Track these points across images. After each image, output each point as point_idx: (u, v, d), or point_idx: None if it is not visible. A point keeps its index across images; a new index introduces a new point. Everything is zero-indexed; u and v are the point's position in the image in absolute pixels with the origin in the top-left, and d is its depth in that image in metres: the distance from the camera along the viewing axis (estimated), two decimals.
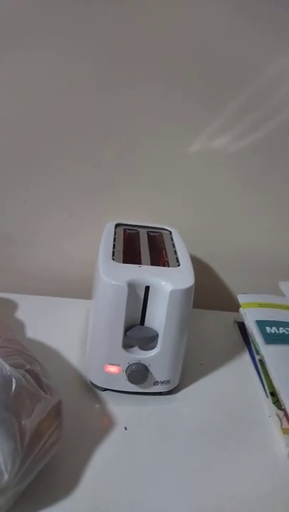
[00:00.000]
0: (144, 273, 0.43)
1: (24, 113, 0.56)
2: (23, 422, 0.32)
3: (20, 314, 0.57)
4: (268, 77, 0.55)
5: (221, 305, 0.65)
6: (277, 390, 0.45)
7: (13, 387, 0.32)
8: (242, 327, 0.59)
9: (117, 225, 0.54)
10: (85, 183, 0.60)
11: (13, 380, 0.32)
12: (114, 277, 0.42)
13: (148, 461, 0.40)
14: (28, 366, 0.36)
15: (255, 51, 0.54)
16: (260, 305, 0.57)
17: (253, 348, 0.54)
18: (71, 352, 0.51)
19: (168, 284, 0.42)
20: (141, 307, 0.43)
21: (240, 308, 0.57)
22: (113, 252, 0.46)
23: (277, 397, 0.46)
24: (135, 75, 0.54)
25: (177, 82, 0.55)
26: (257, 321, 0.53)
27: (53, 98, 0.55)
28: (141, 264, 0.45)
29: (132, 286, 0.41)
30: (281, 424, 0.44)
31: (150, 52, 0.53)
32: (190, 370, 0.51)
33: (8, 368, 0.33)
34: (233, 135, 0.58)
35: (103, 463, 0.39)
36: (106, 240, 0.49)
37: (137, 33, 0.52)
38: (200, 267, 0.65)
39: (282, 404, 0.44)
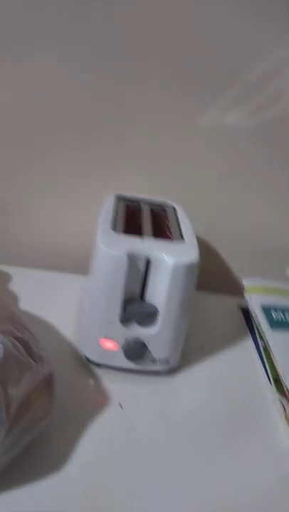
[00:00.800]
0: (146, 245, 0.41)
1: (25, 90, 0.54)
2: (9, 390, 0.30)
3: (15, 287, 0.55)
4: (274, 60, 0.53)
5: (225, 289, 0.62)
6: (281, 376, 0.43)
7: (0, 354, 0.30)
8: (246, 312, 0.56)
9: (119, 198, 0.51)
10: (86, 153, 0.58)
11: (0, 345, 0.30)
12: (113, 247, 0.39)
13: (142, 440, 0.38)
14: (19, 334, 0.34)
15: (263, 35, 0.51)
16: (266, 290, 0.54)
17: (256, 334, 0.52)
18: (66, 327, 0.49)
19: (171, 258, 0.40)
20: (141, 281, 0.41)
21: (245, 293, 0.55)
22: (113, 222, 0.44)
23: (281, 385, 0.43)
24: (141, 53, 0.52)
25: (182, 59, 0.53)
26: (262, 306, 0.51)
27: (57, 74, 0.53)
28: (142, 236, 0.43)
29: (132, 258, 0.39)
30: (285, 412, 0.42)
31: (159, 30, 0.51)
32: (191, 353, 0.48)
33: None
34: (243, 112, 0.56)
35: (95, 440, 0.37)
36: (106, 211, 0.47)
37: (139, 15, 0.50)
38: (204, 248, 0.63)
39: (285, 390, 0.42)
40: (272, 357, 0.45)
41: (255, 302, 0.53)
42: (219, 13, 0.51)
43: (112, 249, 0.39)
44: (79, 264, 0.53)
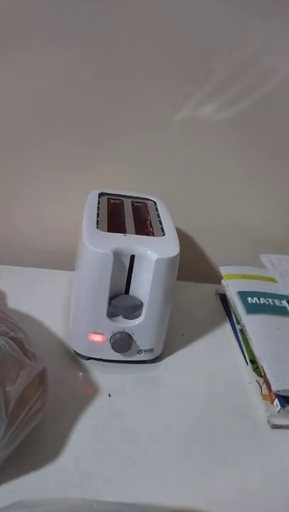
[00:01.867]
0: (129, 242, 0.42)
1: (11, 81, 0.53)
2: (7, 388, 0.32)
3: (1, 285, 0.56)
4: (251, 49, 0.54)
5: (203, 277, 0.65)
6: (257, 357, 0.46)
7: None
8: (223, 298, 0.59)
9: (101, 194, 0.52)
10: (67, 150, 0.58)
11: None
12: (99, 246, 0.41)
13: (132, 426, 0.41)
14: (12, 334, 0.35)
15: (238, 23, 0.52)
16: (242, 276, 0.57)
17: (233, 318, 0.55)
18: (54, 322, 0.51)
19: (153, 253, 0.42)
20: (126, 276, 0.43)
21: (222, 280, 0.58)
22: (97, 220, 0.45)
23: (257, 365, 0.47)
24: (120, 43, 0.52)
25: (164, 52, 0.53)
26: (239, 292, 0.54)
27: (40, 70, 0.53)
28: (126, 233, 0.44)
29: (117, 255, 0.41)
30: (261, 391, 0.45)
31: (136, 23, 0.51)
32: (173, 339, 0.51)
33: None
34: (219, 104, 0.57)
35: (88, 429, 0.40)
36: (89, 208, 0.48)
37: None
38: (183, 239, 0.65)
39: (261, 370, 0.45)
40: (249, 339, 0.49)
41: (231, 288, 0.56)
42: (194, 4, 0.51)
43: (98, 248, 0.40)
44: (63, 260, 0.54)
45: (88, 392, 0.43)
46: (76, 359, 0.46)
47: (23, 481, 0.34)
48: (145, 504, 0.27)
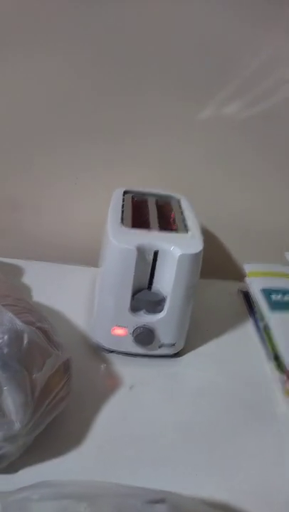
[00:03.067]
0: (153, 238, 0.43)
1: (35, 83, 0.55)
2: (34, 375, 0.33)
3: (27, 279, 0.58)
4: (272, 49, 0.54)
5: (227, 275, 0.65)
6: (281, 353, 0.46)
7: (25, 342, 0.33)
8: (246, 296, 0.59)
9: (125, 192, 0.53)
10: (92, 149, 0.60)
11: (25, 335, 0.33)
12: (123, 241, 0.42)
13: (152, 418, 0.41)
14: (39, 324, 0.37)
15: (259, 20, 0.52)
16: (266, 274, 0.57)
17: (257, 315, 0.55)
18: (78, 316, 0.52)
19: (177, 249, 0.42)
20: (149, 271, 0.44)
21: (246, 277, 0.58)
22: (122, 217, 0.46)
23: (280, 362, 0.47)
24: (141, 50, 0.53)
25: (189, 51, 0.54)
26: (262, 289, 0.54)
27: (66, 71, 0.54)
28: (150, 229, 0.45)
29: (140, 251, 0.42)
30: (285, 387, 0.45)
31: (158, 27, 0.52)
32: (195, 336, 0.51)
33: (19, 323, 0.33)
34: (242, 103, 0.57)
35: (109, 419, 0.41)
36: (114, 205, 0.49)
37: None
38: (207, 236, 0.65)
39: (286, 367, 0.45)
40: (272, 336, 0.49)
41: (255, 286, 0.55)
42: (212, 11, 0.52)
43: (123, 243, 0.42)
44: (88, 256, 0.55)
45: (110, 384, 0.44)
46: (99, 352, 0.48)
47: (47, 465, 0.36)
48: (163, 490, 0.28)
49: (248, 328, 0.56)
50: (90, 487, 0.26)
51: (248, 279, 0.57)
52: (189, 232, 0.46)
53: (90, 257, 0.53)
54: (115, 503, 0.24)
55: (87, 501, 0.24)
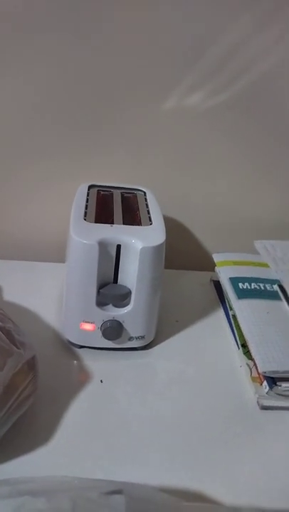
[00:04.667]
0: (115, 232, 0.43)
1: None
2: None
3: None
4: (239, 33, 0.54)
5: (199, 265, 0.66)
6: (247, 340, 0.47)
7: None
8: (218, 285, 0.60)
9: (91, 187, 0.53)
10: (57, 146, 0.59)
11: None
12: (85, 237, 0.42)
13: (124, 411, 0.42)
14: (0, 324, 0.37)
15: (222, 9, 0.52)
16: (235, 263, 0.58)
17: (227, 304, 0.55)
18: (48, 313, 0.52)
19: (138, 242, 0.42)
20: (113, 265, 0.44)
21: (216, 267, 0.58)
22: (85, 212, 0.46)
23: (248, 349, 0.47)
24: (107, 33, 0.53)
25: (152, 40, 0.53)
26: (230, 278, 0.55)
27: (26, 60, 0.53)
28: (113, 223, 0.45)
29: (103, 245, 0.42)
30: (251, 373, 0.46)
31: (120, 16, 0.52)
32: (166, 326, 0.52)
33: None
34: (207, 91, 0.57)
35: (80, 414, 0.41)
36: (78, 200, 0.49)
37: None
38: (177, 228, 0.66)
39: (251, 353, 0.46)
40: (239, 324, 0.49)
41: (223, 275, 0.56)
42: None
43: (84, 239, 0.42)
44: (58, 253, 0.55)
45: (81, 379, 0.45)
46: (69, 348, 0.48)
47: (15, 462, 0.36)
48: (121, 481, 0.28)
49: (220, 317, 0.56)
50: (47, 482, 0.26)
51: (217, 269, 0.58)
52: (152, 225, 0.46)
53: (60, 254, 0.53)
54: (72, 496, 0.24)
55: (44, 496, 0.24)
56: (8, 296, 0.55)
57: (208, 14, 0.52)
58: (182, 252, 0.66)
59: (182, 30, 0.53)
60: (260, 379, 0.45)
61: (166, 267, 0.46)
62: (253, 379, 0.45)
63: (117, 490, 0.25)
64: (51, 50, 0.53)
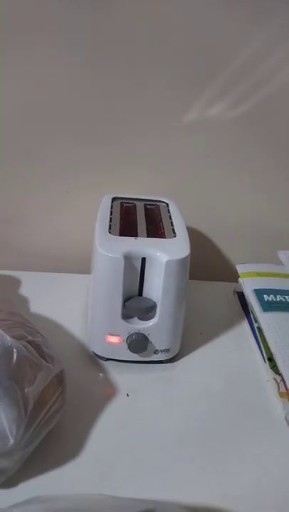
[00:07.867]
0: (140, 245, 0.43)
1: (21, 88, 0.55)
2: (25, 389, 0.34)
3: (22, 291, 0.58)
4: (256, 47, 0.54)
5: (221, 276, 0.65)
6: (274, 355, 0.46)
7: (15, 357, 0.34)
8: (241, 297, 0.59)
9: (114, 199, 0.54)
10: (81, 158, 0.60)
11: (14, 350, 0.34)
12: (110, 250, 0.42)
13: (150, 425, 0.42)
14: (30, 337, 0.37)
15: (242, 24, 0.52)
16: (259, 274, 0.57)
17: (251, 316, 0.55)
18: (74, 325, 0.52)
19: (163, 255, 0.42)
20: (138, 278, 0.44)
21: (239, 278, 0.58)
22: (110, 225, 0.47)
23: (275, 363, 0.47)
24: (128, 51, 0.53)
25: (173, 54, 0.54)
26: (255, 290, 0.54)
27: (50, 74, 0.55)
28: (137, 236, 0.45)
29: (128, 258, 0.42)
30: (278, 388, 0.45)
31: (140, 31, 0.52)
32: (190, 339, 0.52)
33: (9, 339, 0.34)
34: (228, 104, 0.57)
35: (106, 428, 0.41)
36: (102, 213, 0.49)
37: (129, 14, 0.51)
38: (200, 239, 0.66)
39: (279, 368, 0.45)
40: (266, 337, 0.49)
41: (248, 286, 0.56)
42: (197, 9, 0.52)
43: (110, 252, 0.42)
44: (82, 264, 0.56)
45: (107, 392, 0.45)
46: (95, 360, 0.48)
47: (45, 478, 0.36)
48: (160, 500, 0.28)
49: (244, 329, 0.56)
50: (80, 501, 0.26)
51: (240, 280, 0.57)
52: (176, 237, 0.46)
53: (85, 266, 0.54)
54: None
55: None
56: (35, 308, 0.55)
57: (225, 26, 0.53)
58: (204, 263, 0.65)
59: (202, 42, 0.53)
60: (288, 395, 0.44)
61: (188, 278, 0.46)
62: (281, 394, 0.44)
63: (150, 509, 0.25)
64: (83, 66, 0.54)
